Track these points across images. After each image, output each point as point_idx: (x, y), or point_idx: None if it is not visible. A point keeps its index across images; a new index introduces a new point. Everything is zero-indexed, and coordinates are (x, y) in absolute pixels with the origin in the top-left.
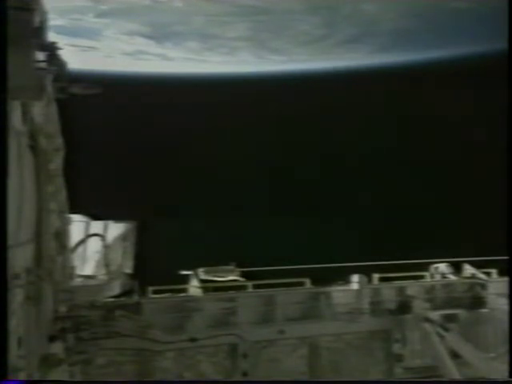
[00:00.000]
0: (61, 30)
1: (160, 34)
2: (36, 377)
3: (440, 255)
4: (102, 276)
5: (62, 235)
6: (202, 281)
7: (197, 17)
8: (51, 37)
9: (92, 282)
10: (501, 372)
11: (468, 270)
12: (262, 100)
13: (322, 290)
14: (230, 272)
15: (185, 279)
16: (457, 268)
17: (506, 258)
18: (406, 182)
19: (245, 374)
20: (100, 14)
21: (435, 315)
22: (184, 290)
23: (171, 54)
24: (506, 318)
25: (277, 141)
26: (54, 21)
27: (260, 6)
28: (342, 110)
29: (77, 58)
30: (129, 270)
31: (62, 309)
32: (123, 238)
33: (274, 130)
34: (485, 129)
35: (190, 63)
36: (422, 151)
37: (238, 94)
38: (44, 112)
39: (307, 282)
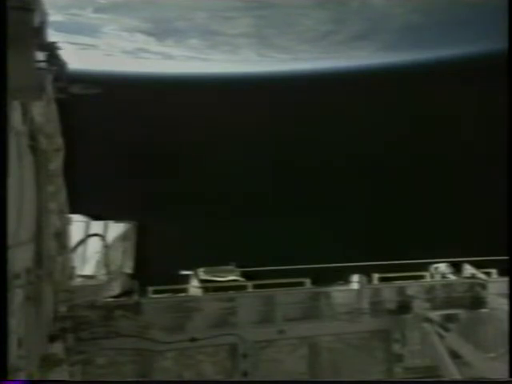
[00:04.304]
0: (59, 27)
1: (161, 31)
2: (36, 377)
3: (440, 255)
4: (102, 276)
5: (62, 235)
6: (202, 281)
7: (199, 12)
8: (50, 34)
9: (92, 282)
10: (501, 372)
11: (468, 269)
12: (263, 100)
13: (322, 289)
14: (230, 272)
15: (185, 279)
16: (457, 268)
17: (506, 258)
18: (406, 181)
19: (245, 374)
20: (99, 9)
21: (435, 315)
22: (184, 290)
23: (172, 53)
24: (506, 317)
25: (278, 141)
26: (51, 16)
27: (264, 1)
28: (347, 111)
29: (76, 56)
30: (129, 270)
31: (62, 309)
32: (123, 238)
33: (275, 131)
34: (487, 128)
35: (192, 62)
36: (422, 150)
37: (239, 95)
38: (44, 112)
39: (307, 282)
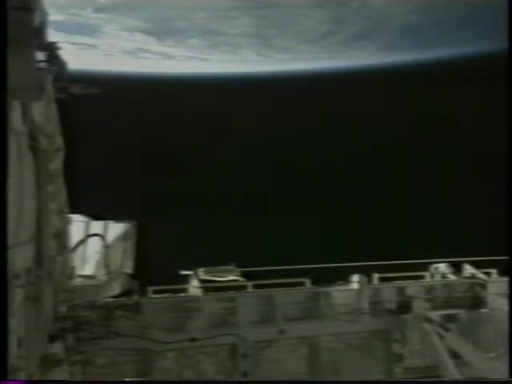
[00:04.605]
0: (59, 26)
1: (161, 31)
2: (36, 377)
3: (440, 255)
4: (102, 276)
5: (62, 235)
6: (202, 281)
7: (199, 11)
8: (49, 34)
9: (92, 282)
10: (501, 372)
11: (468, 269)
12: (263, 100)
13: (322, 289)
14: (230, 272)
15: (185, 279)
16: (457, 268)
17: (506, 258)
18: (406, 181)
19: (245, 374)
20: (99, 9)
21: (435, 315)
22: (184, 290)
23: (172, 52)
24: (506, 317)
25: (278, 141)
26: (51, 16)
27: (264, 0)
28: (347, 111)
29: (76, 56)
30: (129, 270)
31: (62, 309)
32: (123, 238)
33: (275, 131)
34: (487, 128)
35: (192, 62)
36: (422, 150)
37: (239, 95)
38: (44, 112)
39: (307, 282)
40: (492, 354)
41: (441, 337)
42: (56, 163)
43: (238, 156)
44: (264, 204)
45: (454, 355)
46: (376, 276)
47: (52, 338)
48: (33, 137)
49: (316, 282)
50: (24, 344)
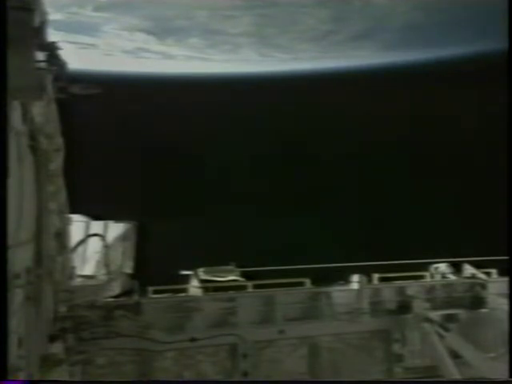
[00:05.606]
0: (59, 26)
1: (161, 30)
2: (36, 377)
3: (440, 255)
4: (102, 276)
5: (62, 235)
6: (202, 281)
7: (199, 10)
8: (49, 33)
9: (92, 282)
10: (501, 372)
11: (468, 269)
12: (263, 100)
13: (322, 289)
14: (230, 272)
15: (185, 279)
16: (457, 268)
17: (506, 258)
18: (406, 181)
19: (245, 374)
20: (99, 8)
21: (435, 315)
22: (184, 290)
23: (172, 52)
24: (506, 317)
25: (278, 141)
26: (51, 15)
27: None
28: (347, 111)
29: (76, 56)
30: (129, 270)
31: (62, 309)
32: (123, 238)
33: (275, 131)
34: (487, 128)
35: (192, 62)
36: (422, 150)
37: (239, 95)
38: (44, 112)
39: (307, 282)
40: (492, 354)
41: (441, 337)
42: (56, 163)
43: (237, 156)
44: (264, 204)
45: (454, 355)
46: (376, 276)
47: (52, 338)
48: (33, 137)
49: (316, 282)
50: (24, 344)
